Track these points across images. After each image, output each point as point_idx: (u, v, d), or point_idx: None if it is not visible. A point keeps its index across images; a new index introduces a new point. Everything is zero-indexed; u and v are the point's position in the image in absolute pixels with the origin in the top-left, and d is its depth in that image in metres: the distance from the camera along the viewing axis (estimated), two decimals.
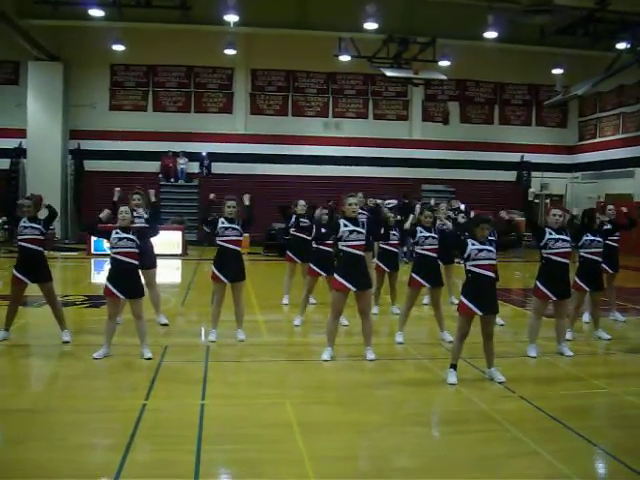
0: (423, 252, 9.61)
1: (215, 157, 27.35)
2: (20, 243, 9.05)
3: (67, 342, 9.10)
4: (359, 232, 8.35)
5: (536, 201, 28.73)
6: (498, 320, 7.77)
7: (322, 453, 5.54)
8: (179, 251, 21.76)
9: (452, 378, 7.61)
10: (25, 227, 8.98)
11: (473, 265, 7.54)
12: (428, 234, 9.63)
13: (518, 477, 5.18)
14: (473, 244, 7.55)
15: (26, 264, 9.00)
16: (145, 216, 9.66)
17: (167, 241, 19.69)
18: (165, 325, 10.40)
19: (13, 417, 6.26)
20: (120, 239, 8.34)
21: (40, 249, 9.06)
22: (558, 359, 8.83)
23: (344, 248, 8.39)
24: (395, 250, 11.57)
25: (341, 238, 8.35)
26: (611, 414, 6.96)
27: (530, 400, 6.98)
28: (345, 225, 8.34)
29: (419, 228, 9.72)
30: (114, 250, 8.36)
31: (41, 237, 9.06)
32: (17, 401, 6.72)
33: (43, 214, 9.37)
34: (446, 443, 6.00)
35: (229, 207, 9.29)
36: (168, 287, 15.07)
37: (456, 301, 12.47)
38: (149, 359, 8.29)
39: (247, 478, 5.13)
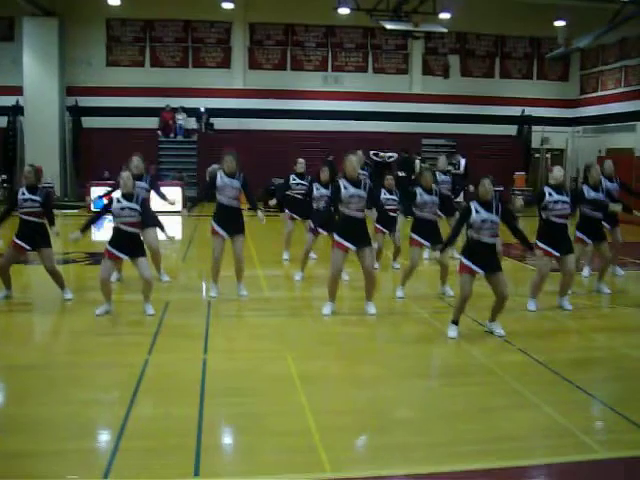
0: (423, 216, 9.43)
1: (213, 112, 27.10)
2: (20, 216, 8.97)
3: (69, 299, 9.13)
4: (360, 196, 8.28)
5: (536, 155, 28.60)
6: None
7: (324, 406, 5.61)
8: (179, 207, 21.68)
9: (452, 332, 7.65)
10: (25, 200, 8.86)
11: (475, 234, 7.50)
12: (428, 197, 9.40)
13: (518, 429, 5.24)
14: (477, 211, 7.42)
15: (27, 234, 8.92)
16: (145, 185, 9.80)
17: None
18: (167, 282, 10.43)
19: (17, 373, 6.32)
20: (122, 208, 8.26)
21: (41, 221, 8.98)
22: (558, 313, 8.87)
23: (344, 210, 8.34)
24: (394, 214, 11.06)
25: (341, 200, 8.30)
26: (610, 367, 6.98)
27: (530, 353, 7.03)
28: (345, 187, 8.25)
29: (419, 190, 9.44)
30: (117, 220, 8.32)
31: (40, 209, 8.92)
32: (20, 358, 6.77)
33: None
34: (446, 395, 6.04)
35: (226, 162, 9.24)
36: (168, 243, 15.06)
37: (457, 255, 12.48)
38: (151, 315, 8.32)
39: (249, 430, 5.19)
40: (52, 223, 9.01)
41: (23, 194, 8.89)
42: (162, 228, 9.90)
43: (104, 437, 5.09)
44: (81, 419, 5.26)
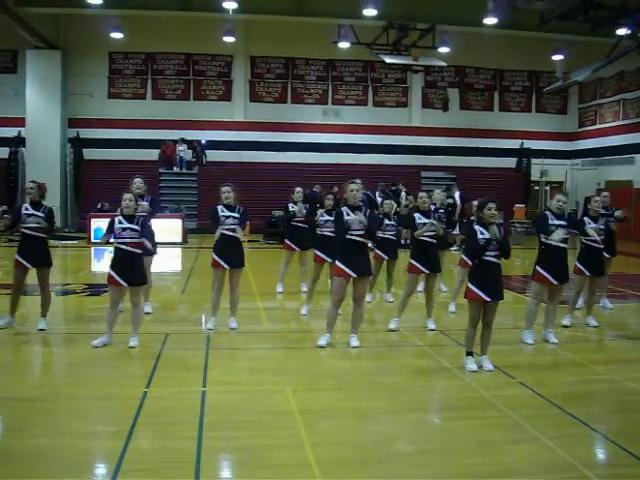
0: (422, 238, 9.53)
1: (214, 145, 27.30)
2: (23, 231, 9.02)
3: (42, 329, 9.05)
4: (360, 220, 8.27)
5: (536, 188, 28.72)
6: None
7: (323, 439, 5.56)
8: (179, 239, 21.75)
9: (471, 365, 7.57)
10: (28, 215, 8.94)
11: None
12: (426, 220, 9.52)
13: (519, 463, 5.19)
14: (482, 233, 7.44)
15: (28, 250, 8.99)
16: (145, 203, 9.69)
17: (167, 229, 19.67)
18: (147, 314, 10.10)
19: (16, 405, 6.27)
20: (124, 229, 8.28)
21: (43, 236, 9.07)
22: (557, 345, 8.81)
23: (346, 235, 8.37)
24: (393, 238, 11.47)
25: (344, 226, 8.30)
26: (611, 400, 6.94)
27: (530, 386, 7.00)
28: (347, 214, 8.30)
29: (417, 214, 9.62)
30: (118, 240, 8.32)
31: (44, 225, 9.02)
32: (20, 389, 6.72)
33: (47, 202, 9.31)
34: (446, 429, 6.00)
35: (224, 193, 9.27)
36: (168, 275, 15.07)
37: (445, 288, 12.53)
38: (132, 347, 8.24)
39: (248, 464, 5.14)
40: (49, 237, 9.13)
41: (26, 209, 8.98)
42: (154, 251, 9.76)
43: (101, 471, 5.03)
44: (78, 452, 5.20)
